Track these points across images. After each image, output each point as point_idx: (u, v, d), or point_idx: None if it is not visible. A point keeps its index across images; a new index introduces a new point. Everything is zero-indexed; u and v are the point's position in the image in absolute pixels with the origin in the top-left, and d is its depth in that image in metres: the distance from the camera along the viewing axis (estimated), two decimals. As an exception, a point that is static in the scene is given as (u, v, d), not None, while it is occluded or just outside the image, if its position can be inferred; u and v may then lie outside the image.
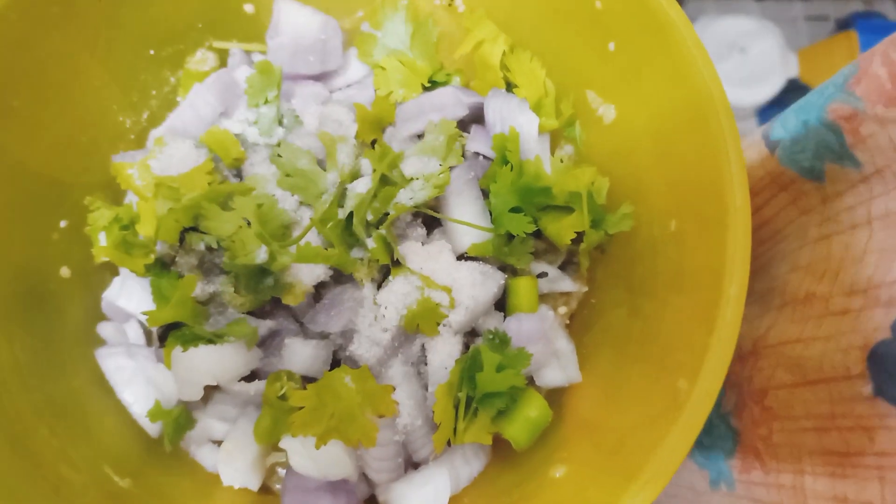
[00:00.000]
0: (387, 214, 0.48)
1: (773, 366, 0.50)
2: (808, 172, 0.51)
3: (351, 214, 0.48)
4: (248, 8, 0.56)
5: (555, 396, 0.50)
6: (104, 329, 0.52)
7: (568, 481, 0.43)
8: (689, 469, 0.57)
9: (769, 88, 0.99)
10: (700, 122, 0.42)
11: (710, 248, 0.41)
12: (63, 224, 0.51)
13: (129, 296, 0.51)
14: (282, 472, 0.52)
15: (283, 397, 0.46)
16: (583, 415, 0.47)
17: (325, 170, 0.50)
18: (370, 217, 0.48)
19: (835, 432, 0.45)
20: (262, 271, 0.47)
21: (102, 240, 0.52)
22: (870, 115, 0.45)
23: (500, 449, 0.49)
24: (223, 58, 0.57)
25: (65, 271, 0.51)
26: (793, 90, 1.01)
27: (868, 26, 0.99)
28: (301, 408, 0.44)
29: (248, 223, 0.46)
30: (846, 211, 0.49)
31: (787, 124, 0.51)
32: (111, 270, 0.53)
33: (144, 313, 0.45)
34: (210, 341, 0.46)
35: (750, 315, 0.54)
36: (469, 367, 0.46)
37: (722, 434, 0.53)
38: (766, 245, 0.57)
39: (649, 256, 0.48)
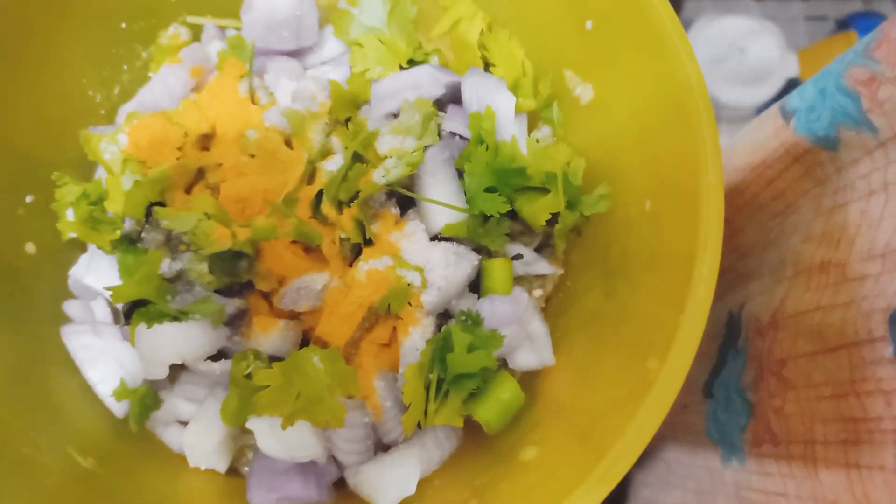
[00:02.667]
0: (359, 193, 0.47)
1: (792, 336, 0.49)
2: (823, 141, 0.50)
3: (321, 193, 0.47)
4: (223, -17, 0.55)
5: (528, 379, 0.50)
6: (71, 307, 0.51)
7: (539, 463, 0.42)
8: (704, 446, 0.55)
9: (769, 88, 0.99)
10: (676, 101, 0.42)
11: (684, 226, 0.40)
12: (29, 199, 0.50)
13: (97, 273, 0.50)
14: (252, 454, 0.51)
15: (250, 377, 0.45)
16: (556, 397, 0.47)
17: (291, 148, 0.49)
18: (342, 196, 0.48)
19: (853, 398, 0.43)
20: (236, 253, 0.46)
21: (70, 216, 0.51)
22: (889, 77, 0.44)
23: (471, 431, 0.48)
24: (196, 33, 0.56)
25: (30, 247, 0.50)
26: (792, 90, 1.01)
27: (868, 26, 1.00)
28: (267, 387, 0.43)
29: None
30: (862, 178, 0.47)
31: (804, 93, 0.50)
32: (79, 247, 0.52)
33: (108, 289, 0.44)
34: (175, 319, 0.45)
35: (763, 288, 0.53)
36: (440, 349, 0.45)
37: (737, 409, 0.52)
38: (778, 219, 0.55)
39: (624, 237, 0.47)
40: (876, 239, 0.45)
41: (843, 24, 1.05)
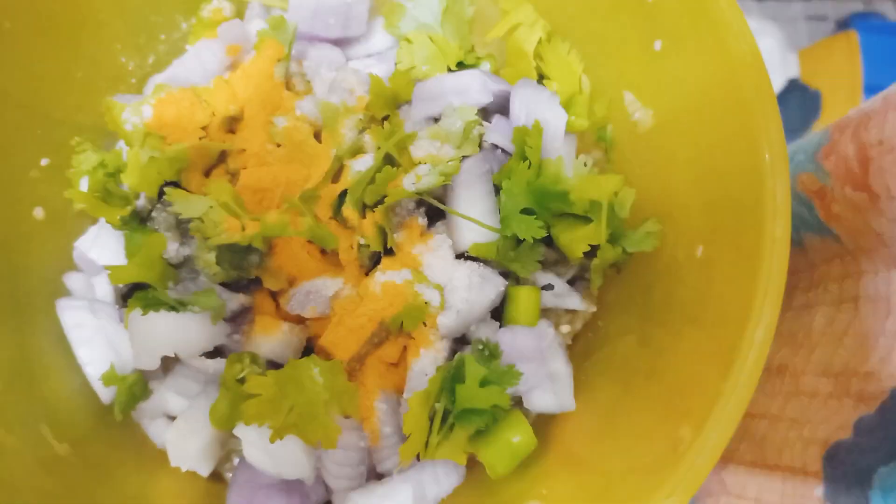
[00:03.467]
0: (385, 198, 0.44)
1: (739, 437, 0.47)
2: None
3: (344, 193, 0.44)
4: (275, -40, 0.52)
5: (542, 424, 0.45)
6: (72, 280, 0.49)
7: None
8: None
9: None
10: (747, 142, 0.37)
11: (739, 280, 0.35)
12: (44, 162, 0.48)
13: (103, 248, 0.47)
14: (237, 461, 0.47)
15: (243, 381, 0.42)
16: (571, 449, 0.42)
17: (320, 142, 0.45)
18: (367, 199, 0.44)
19: None
20: (247, 247, 0.43)
21: (84, 185, 0.48)
22: (838, 194, 0.43)
23: (473, 472, 0.44)
24: (241, 10, 0.53)
25: (39, 212, 0.47)
26: (793, 90, 0.98)
27: (868, 26, 0.96)
28: (258, 395, 0.40)
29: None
30: (834, 281, 0.45)
31: None
32: (90, 219, 0.50)
33: (107, 268, 0.41)
34: (173, 308, 0.42)
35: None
36: (451, 378, 0.41)
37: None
38: None
39: (669, 282, 0.43)
40: (835, 355, 0.43)
41: (843, 24, 1.02)
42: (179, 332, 0.42)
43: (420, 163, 0.45)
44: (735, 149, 0.38)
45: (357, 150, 0.46)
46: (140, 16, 0.50)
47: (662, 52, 0.43)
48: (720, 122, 0.39)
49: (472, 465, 0.43)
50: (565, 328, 0.48)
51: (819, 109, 1.00)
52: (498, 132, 0.47)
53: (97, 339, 0.46)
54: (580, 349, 0.48)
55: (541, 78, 0.50)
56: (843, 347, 0.43)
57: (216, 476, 0.47)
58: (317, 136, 0.47)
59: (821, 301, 0.46)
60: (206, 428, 0.44)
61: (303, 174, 0.45)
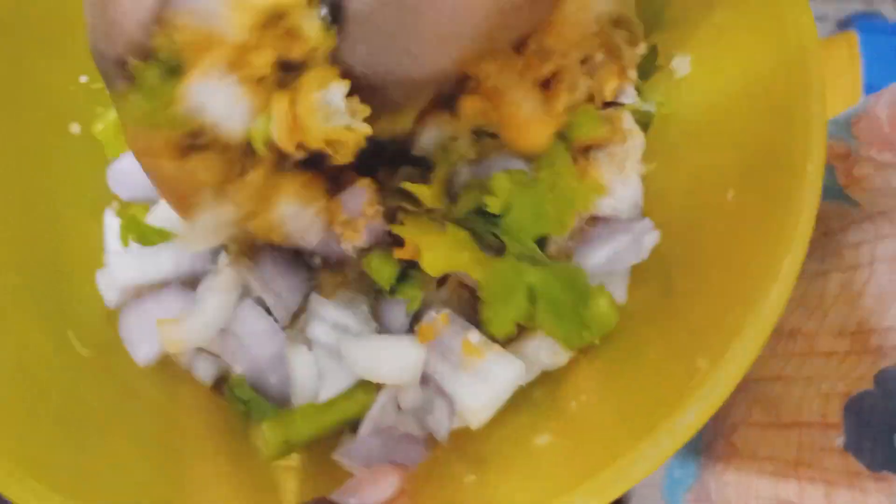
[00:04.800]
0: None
1: (750, 402, 0.47)
2: None
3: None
4: None
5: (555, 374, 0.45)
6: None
7: (551, 452, 0.38)
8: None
9: None
10: (784, 79, 0.37)
11: (769, 220, 0.35)
12: (83, 79, 0.49)
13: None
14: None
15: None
16: (584, 387, 0.42)
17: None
18: None
19: (793, 481, 0.41)
20: None
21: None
22: (863, 156, 0.43)
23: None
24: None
25: (75, 128, 0.49)
26: None
27: (868, 26, 0.94)
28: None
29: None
30: (849, 248, 0.45)
31: None
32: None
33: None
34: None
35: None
36: None
37: (689, 469, 0.50)
38: None
39: (699, 229, 0.42)
40: (850, 315, 0.43)
41: (844, 24, 1.00)
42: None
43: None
44: (772, 87, 0.38)
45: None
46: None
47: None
48: (760, 60, 0.39)
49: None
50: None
51: None
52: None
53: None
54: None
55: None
56: (859, 308, 0.43)
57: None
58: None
59: (835, 267, 0.46)
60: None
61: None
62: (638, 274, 0.44)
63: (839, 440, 0.40)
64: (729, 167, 0.40)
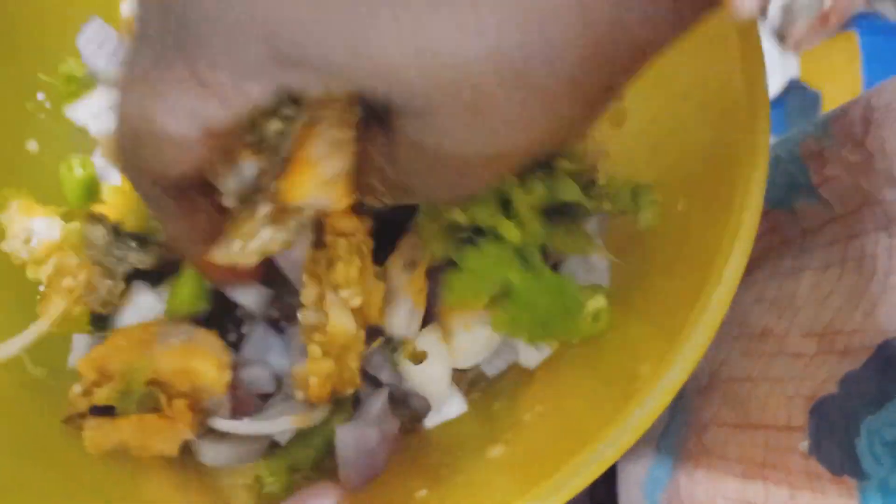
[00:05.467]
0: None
1: (720, 401, 0.47)
2: (780, 204, 0.49)
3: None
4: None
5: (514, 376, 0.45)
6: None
7: (505, 461, 0.38)
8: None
9: (769, 88, 0.93)
10: (727, 87, 0.37)
11: (712, 226, 0.35)
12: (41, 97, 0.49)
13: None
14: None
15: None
16: (539, 396, 0.42)
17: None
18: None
19: (759, 482, 0.41)
20: None
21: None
22: (835, 154, 0.44)
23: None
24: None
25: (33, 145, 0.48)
26: (793, 90, 0.97)
27: (868, 26, 0.97)
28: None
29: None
30: (822, 247, 0.45)
31: None
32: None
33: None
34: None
35: (710, 346, 0.51)
36: None
37: (665, 467, 0.50)
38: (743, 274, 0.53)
39: (649, 239, 0.42)
40: (818, 315, 0.43)
41: (844, 25, 1.02)
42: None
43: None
44: (718, 104, 0.38)
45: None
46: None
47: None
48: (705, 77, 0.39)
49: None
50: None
51: (819, 109, 1.00)
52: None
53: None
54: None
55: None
56: (827, 308, 0.42)
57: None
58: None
59: (807, 266, 0.46)
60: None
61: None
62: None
63: (803, 443, 0.39)
64: (679, 178, 0.40)
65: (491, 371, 0.45)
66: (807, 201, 0.47)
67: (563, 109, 0.24)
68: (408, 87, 0.23)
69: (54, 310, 0.39)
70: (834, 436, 0.38)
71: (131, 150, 0.27)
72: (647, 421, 0.30)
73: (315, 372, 0.35)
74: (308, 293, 0.35)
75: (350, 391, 0.38)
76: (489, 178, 0.28)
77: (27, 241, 0.44)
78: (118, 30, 0.48)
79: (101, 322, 0.42)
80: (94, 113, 0.46)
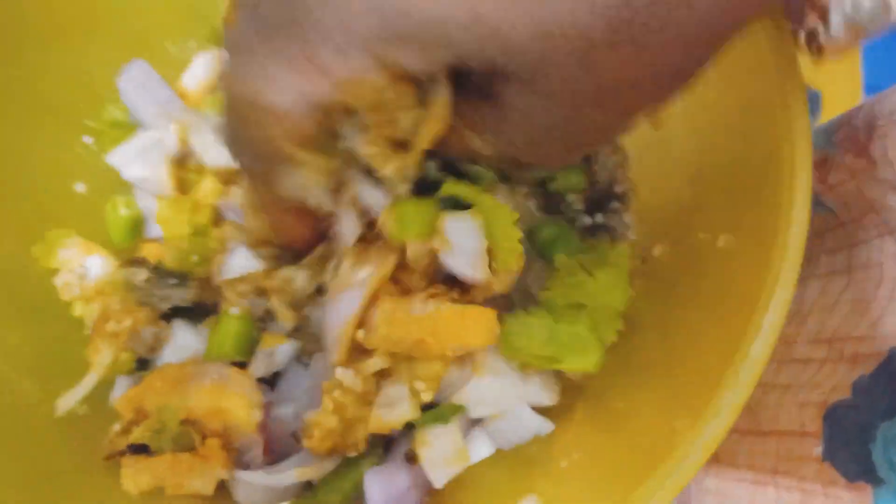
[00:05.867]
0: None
1: None
2: None
3: None
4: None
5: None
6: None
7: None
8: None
9: None
10: (769, 131, 0.35)
11: (753, 269, 0.33)
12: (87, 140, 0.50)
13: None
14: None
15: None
16: (575, 443, 0.40)
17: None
18: None
19: (771, 489, 0.41)
20: None
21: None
22: (839, 162, 0.44)
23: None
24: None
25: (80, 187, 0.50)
26: None
27: None
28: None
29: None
30: (826, 255, 0.45)
31: None
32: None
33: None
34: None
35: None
36: None
37: None
38: None
39: (693, 274, 0.40)
40: (826, 322, 0.43)
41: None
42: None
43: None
44: (757, 137, 0.36)
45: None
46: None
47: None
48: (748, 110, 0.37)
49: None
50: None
51: (819, 109, 0.97)
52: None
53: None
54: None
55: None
56: (835, 315, 0.43)
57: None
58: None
59: (812, 274, 0.46)
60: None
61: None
62: (633, 322, 0.42)
63: (817, 449, 0.40)
64: (720, 212, 0.39)
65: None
66: (811, 209, 0.46)
67: (670, 64, 0.25)
68: (521, 49, 0.23)
69: (104, 359, 0.40)
70: (848, 442, 0.39)
71: (237, 123, 0.28)
72: (684, 479, 0.29)
73: (318, 425, 0.36)
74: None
75: (352, 453, 0.38)
76: (597, 139, 0.30)
77: (82, 277, 0.45)
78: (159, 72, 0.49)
79: (144, 364, 0.43)
80: (130, 158, 0.47)
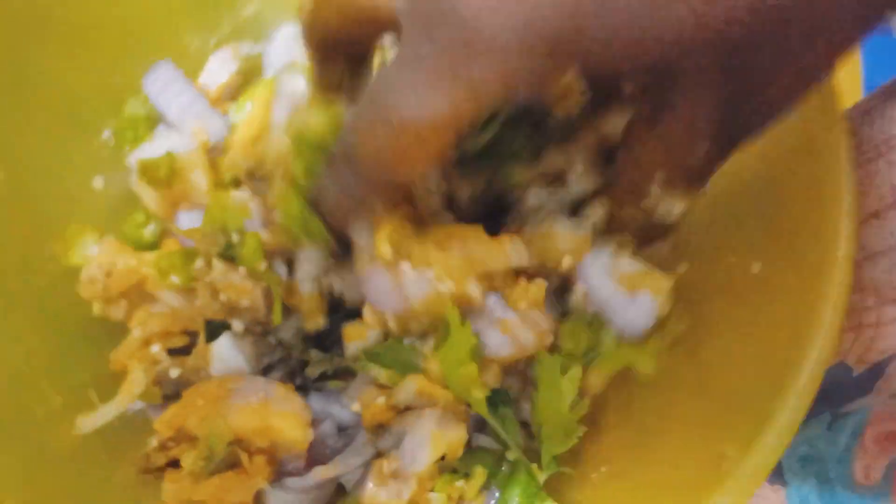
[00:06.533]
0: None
1: None
2: None
3: None
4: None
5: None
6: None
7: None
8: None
9: None
10: (811, 157, 0.36)
11: (798, 302, 0.34)
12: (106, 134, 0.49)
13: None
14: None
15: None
16: (609, 460, 0.41)
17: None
18: None
19: None
20: None
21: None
22: None
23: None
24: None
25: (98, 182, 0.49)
26: None
27: None
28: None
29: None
30: None
31: None
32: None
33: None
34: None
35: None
36: None
37: None
38: None
39: (724, 298, 0.41)
40: None
41: None
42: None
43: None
44: (798, 164, 0.37)
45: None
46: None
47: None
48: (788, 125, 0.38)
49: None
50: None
51: None
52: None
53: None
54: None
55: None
56: None
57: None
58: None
59: None
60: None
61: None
62: (671, 349, 0.43)
63: None
64: (755, 238, 0.40)
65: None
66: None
67: None
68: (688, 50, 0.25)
69: (135, 387, 0.39)
70: None
71: (371, 138, 0.28)
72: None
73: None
74: None
75: None
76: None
77: (109, 273, 0.44)
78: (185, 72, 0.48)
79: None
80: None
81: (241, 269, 0.38)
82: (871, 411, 0.40)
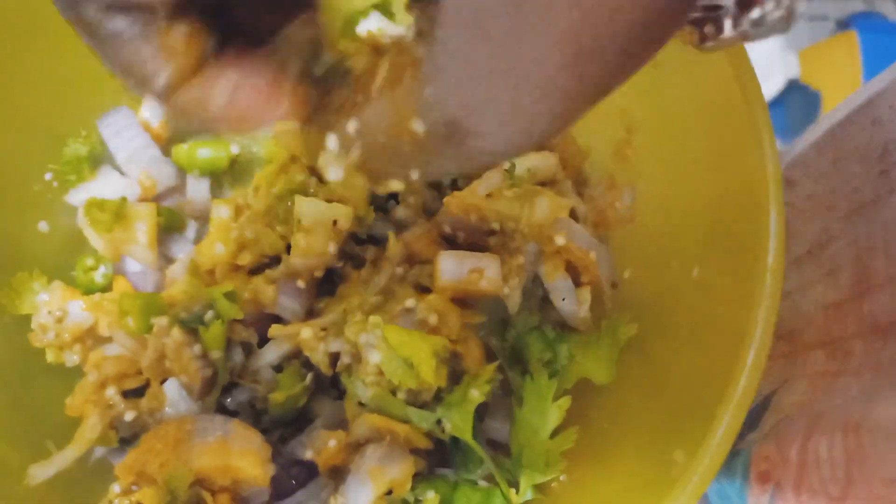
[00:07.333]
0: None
1: None
2: None
3: None
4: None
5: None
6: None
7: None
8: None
9: (769, 88, 0.96)
10: (742, 166, 0.38)
11: (734, 305, 0.36)
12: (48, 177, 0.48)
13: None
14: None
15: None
16: (569, 466, 0.42)
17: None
18: None
19: None
20: None
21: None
22: None
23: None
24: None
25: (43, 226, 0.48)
26: (793, 90, 0.99)
27: (868, 26, 0.96)
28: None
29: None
30: None
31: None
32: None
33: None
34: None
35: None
36: None
37: None
38: None
39: (667, 301, 0.43)
40: None
41: (844, 24, 1.02)
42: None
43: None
44: (730, 172, 0.39)
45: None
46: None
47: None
48: (716, 146, 0.40)
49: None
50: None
51: (819, 109, 1.00)
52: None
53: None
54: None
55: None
56: None
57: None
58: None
59: None
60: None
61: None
62: (623, 354, 0.45)
63: None
64: (692, 244, 0.41)
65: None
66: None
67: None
68: None
69: (90, 433, 0.39)
70: None
71: None
72: (687, 506, 0.32)
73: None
74: None
75: None
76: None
77: (60, 320, 0.44)
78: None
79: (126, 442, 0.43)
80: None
81: (197, 348, 0.38)
82: (752, 449, 0.41)
